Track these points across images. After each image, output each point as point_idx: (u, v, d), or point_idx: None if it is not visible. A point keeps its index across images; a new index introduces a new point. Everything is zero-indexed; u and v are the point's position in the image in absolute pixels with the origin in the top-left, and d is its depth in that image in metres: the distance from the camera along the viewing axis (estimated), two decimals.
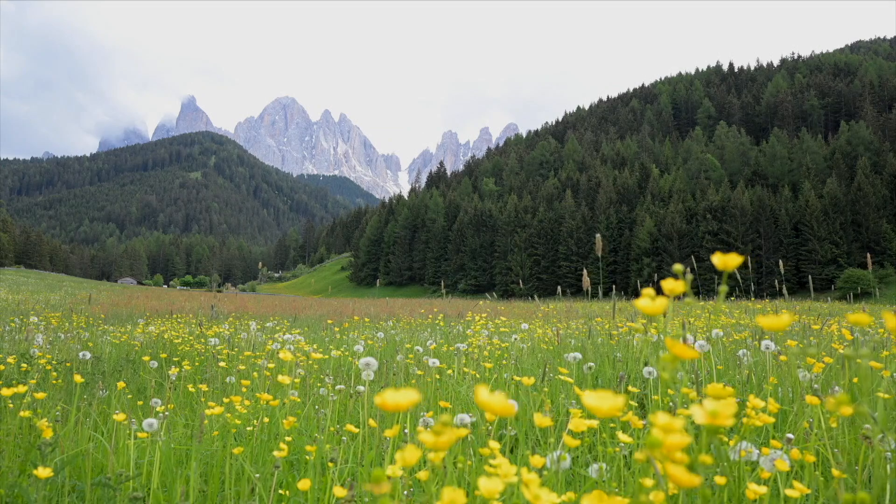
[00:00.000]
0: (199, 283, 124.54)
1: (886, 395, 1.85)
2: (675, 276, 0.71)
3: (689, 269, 0.73)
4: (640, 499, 0.61)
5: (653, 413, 0.59)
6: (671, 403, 2.14)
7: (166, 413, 2.37)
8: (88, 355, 3.55)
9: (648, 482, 1.05)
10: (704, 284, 44.13)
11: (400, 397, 0.63)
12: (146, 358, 3.91)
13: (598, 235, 3.70)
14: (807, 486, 1.51)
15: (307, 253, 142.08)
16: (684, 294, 0.71)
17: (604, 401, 0.62)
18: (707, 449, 0.59)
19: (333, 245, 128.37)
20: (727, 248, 54.53)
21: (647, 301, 0.69)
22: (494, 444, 1.02)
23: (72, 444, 2.34)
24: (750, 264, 3.82)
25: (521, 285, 54.84)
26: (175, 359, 5.29)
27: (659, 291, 0.72)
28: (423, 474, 0.77)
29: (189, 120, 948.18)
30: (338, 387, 2.87)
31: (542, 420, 1.11)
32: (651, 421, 0.58)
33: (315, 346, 5.35)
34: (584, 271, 4.04)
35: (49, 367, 3.99)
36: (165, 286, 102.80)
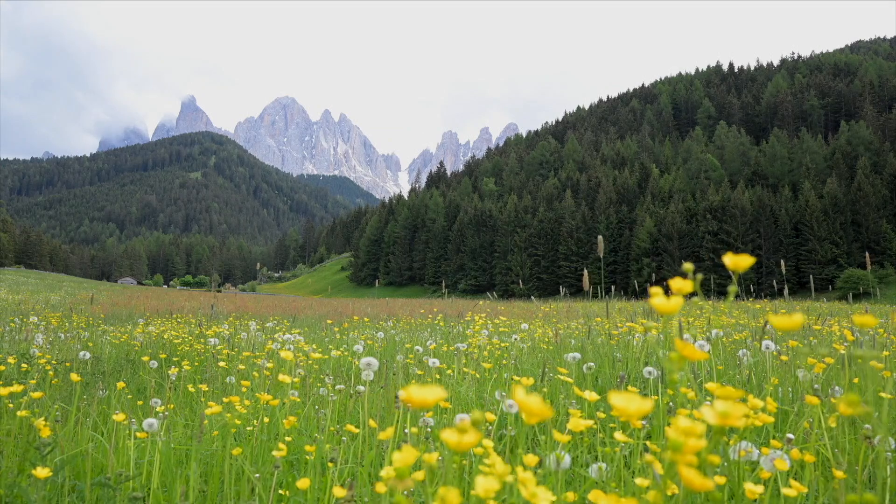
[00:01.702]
0: (199, 283, 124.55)
1: (889, 395, 1.85)
2: (678, 276, 0.70)
3: (695, 269, 0.72)
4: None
5: (657, 414, 0.59)
6: (670, 404, 2.13)
7: (166, 413, 2.37)
8: (88, 355, 3.55)
9: (645, 482, 1.05)
10: (704, 284, 44.14)
11: (427, 393, 0.61)
12: (146, 358, 3.90)
13: (599, 237, 3.70)
14: (807, 486, 1.51)
15: (307, 253, 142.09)
16: (692, 293, 0.70)
17: (631, 403, 0.61)
18: (713, 449, 0.59)
19: (333, 245, 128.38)
20: (727, 248, 54.54)
21: (661, 300, 0.68)
22: (488, 443, 1.01)
23: (71, 444, 2.34)
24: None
25: (521, 285, 54.84)
26: (175, 359, 5.28)
27: (665, 290, 0.71)
28: (419, 474, 0.77)
29: (189, 120, 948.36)
30: (338, 387, 2.87)
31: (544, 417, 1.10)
32: (672, 424, 0.58)
33: (315, 346, 5.35)
34: (585, 272, 4.03)
35: (49, 368, 3.99)
36: (165, 286, 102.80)
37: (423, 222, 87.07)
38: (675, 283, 0.68)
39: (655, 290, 0.68)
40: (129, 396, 3.73)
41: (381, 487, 1.13)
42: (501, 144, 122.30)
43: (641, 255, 59.74)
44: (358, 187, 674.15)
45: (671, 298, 0.67)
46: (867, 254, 5.97)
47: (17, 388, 2.02)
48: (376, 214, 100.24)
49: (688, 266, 0.71)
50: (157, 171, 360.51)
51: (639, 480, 1.03)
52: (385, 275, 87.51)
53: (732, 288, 0.70)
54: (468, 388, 3.33)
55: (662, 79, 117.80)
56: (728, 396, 0.60)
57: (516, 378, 2.73)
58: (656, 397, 2.46)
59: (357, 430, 1.93)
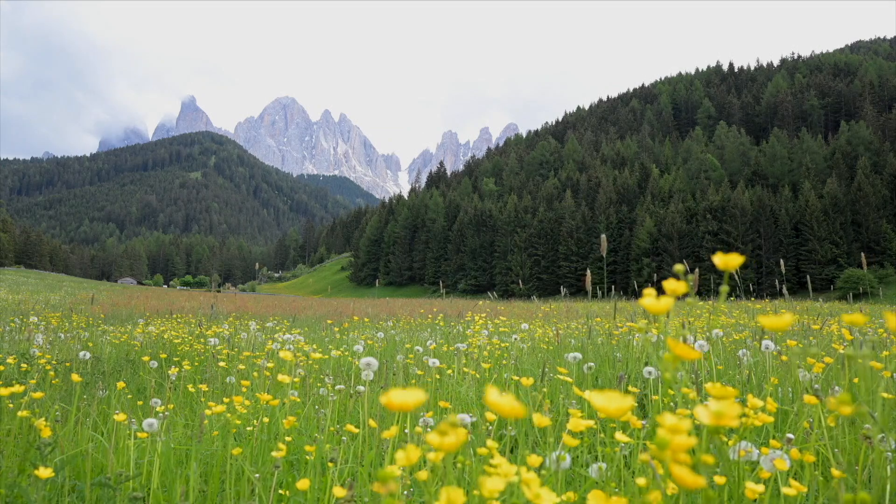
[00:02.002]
0: (199, 283, 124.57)
1: (888, 395, 1.85)
2: (676, 276, 0.71)
3: (688, 270, 0.73)
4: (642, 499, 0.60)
5: (657, 414, 0.59)
6: (672, 403, 2.14)
7: (166, 413, 2.37)
8: (88, 355, 3.55)
9: (643, 482, 1.05)
10: (703, 284, 44.13)
11: (407, 396, 0.62)
12: (146, 358, 3.90)
13: (602, 236, 3.70)
14: (807, 485, 1.51)
15: (307, 253, 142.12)
16: (686, 294, 0.71)
17: (611, 401, 0.62)
18: (708, 449, 0.59)
19: (333, 245, 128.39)
20: (727, 248, 54.51)
21: (651, 300, 0.69)
22: (492, 444, 1.02)
23: (71, 444, 2.34)
24: (750, 264, 3.82)
25: (521, 285, 54.83)
26: (175, 359, 5.29)
27: (660, 291, 0.72)
28: (422, 474, 0.77)
29: (189, 120, 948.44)
30: (338, 387, 2.87)
31: (540, 420, 1.11)
32: (657, 422, 0.58)
33: (315, 346, 5.35)
34: (588, 272, 4.04)
35: (49, 368, 3.99)
36: (165, 286, 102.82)
37: (423, 222, 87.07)
38: (670, 284, 0.69)
39: (648, 292, 0.69)
40: (129, 396, 3.73)
41: (380, 487, 1.13)
42: (501, 144, 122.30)
43: (641, 255, 59.74)
44: (358, 187, 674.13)
45: (661, 299, 0.68)
46: (863, 254, 5.98)
47: (17, 388, 2.02)
48: (376, 214, 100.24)
49: (678, 267, 0.72)
50: (157, 171, 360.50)
51: (640, 480, 1.03)
52: (385, 275, 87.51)
53: (724, 287, 0.71)
54: (468, 389, 3.33)
55: (662, 79, 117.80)
56: (724, 396, 0.60)
57: (515, 378, 2.73)
58: (656, 397, 2.46)
59: (357, 430, 1.94)
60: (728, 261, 0.70)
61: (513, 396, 0.62)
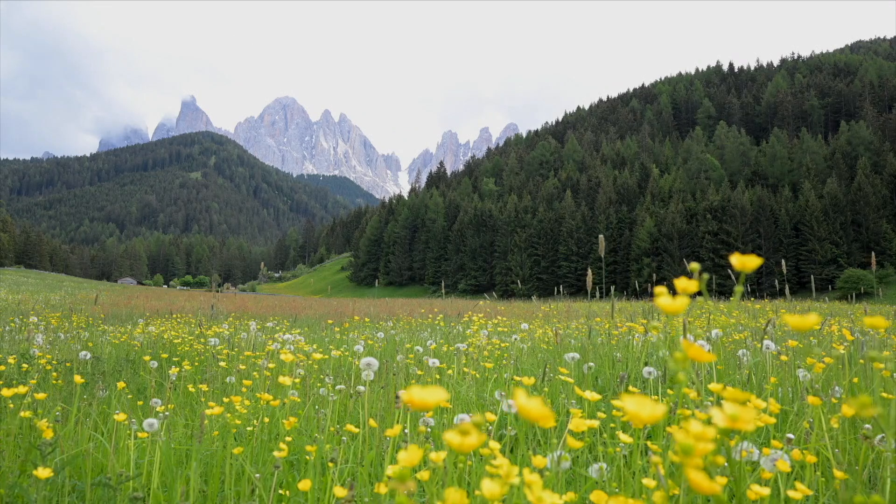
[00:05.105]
0: (199, 283, 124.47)
1: (889, 395, 1.85)
2: (680, 276, 0.70)
3: (684, 270, 0.72)
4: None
5: (685, 420, 0.58)
6: (672, 404, 2.13)
7: (166, 413, 2.37)
8: (88, 355, 3.55)
9: (652, 483, 1.05)
10: (706, 284, 44.06)
11: (427, 395, 0.60)
12: (146, 358, 3.90)
13: (601, 236, 3.70)
14: (807, 486, 1.51)
15: (307, 253, 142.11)
16: (698, 293, 0.69)
17: (643, 407, 0.58)
18: (718, 451, 0.58)
19: (333, 245, 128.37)
20: (727, 248, 54.52)
21: (666, 300, 0.66)
22: (495, 445, 1.01)
23: (72, 445, 2.34)
24: None
25: (521, 285, 54.78)
26: (175, 359, 5.28)
27: (668, 290, 0.70)
28: (424, 474, 0.77)
29: (189, 120, 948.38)
30: (338, 387, 2.87)
31: (544, 420, 1.10)
32: (683, 427, 0.57)
33: (315, 347, 5.35)
34: (589, 271, 4.03)
35: (49, 368, 3.99)
36: (165, 286, 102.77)
37: (423, 222, 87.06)
38: (680, 282, 0.67)
39: (660, 290, 0.67)
40: (130, 396, 3.73)
41: (381, 488, 1.13)
42: (501, 144, 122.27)
43: (641, 255, 59.73)
44: (358, 187, 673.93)
45: (676, 298, 0.65)
46: (872, 254, 5.97)
47: (21, 389, 2.02)
48: (376, 214, 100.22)
49: (694, 266, 0.70)
50: (157, 171, 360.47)
51: (646, 481, 1.03)
52: (385, 275, 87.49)
53: (738, 288, 0.70)
54: (468, 388, 3.33)
55: (662, 79, 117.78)
56: (736, 399, 0.59)
57: (517, 378, 2.74)
58: (657, 397, 2.45)
59: (357, 430, 1.93)
60: (745, 262, 0.68)
61: (540, 400, 0.61)
